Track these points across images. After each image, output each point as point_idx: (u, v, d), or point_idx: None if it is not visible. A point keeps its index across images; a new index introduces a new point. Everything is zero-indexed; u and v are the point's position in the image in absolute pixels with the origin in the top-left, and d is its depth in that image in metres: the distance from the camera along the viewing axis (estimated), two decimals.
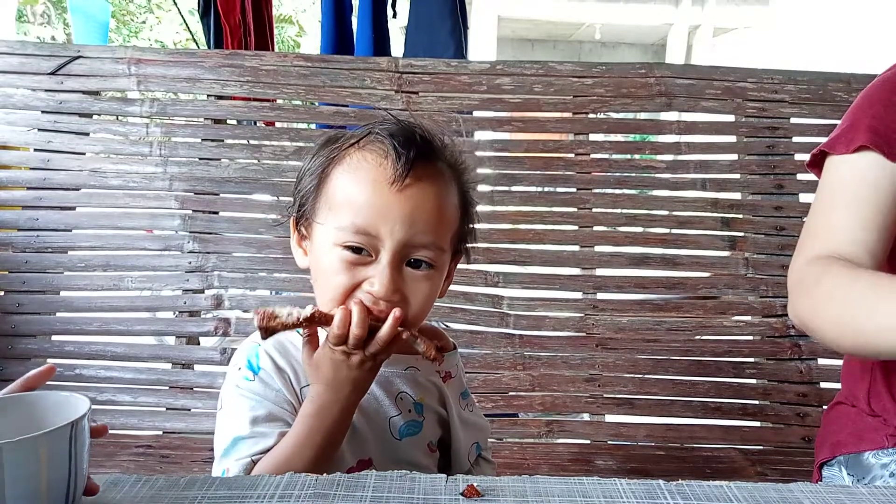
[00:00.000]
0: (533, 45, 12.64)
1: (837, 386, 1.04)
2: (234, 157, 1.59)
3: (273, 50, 3.01)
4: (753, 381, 1.48)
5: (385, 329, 0.66)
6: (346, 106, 1.63)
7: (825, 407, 1.09)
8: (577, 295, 1.54)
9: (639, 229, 1.56)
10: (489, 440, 0.93)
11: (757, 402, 1.46)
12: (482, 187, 1.58)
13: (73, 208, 1.55)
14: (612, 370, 1.48)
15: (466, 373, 1.22)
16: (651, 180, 1.65)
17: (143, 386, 1.47)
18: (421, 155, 0.69)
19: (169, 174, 1.56)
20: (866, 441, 0.90)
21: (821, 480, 0.97)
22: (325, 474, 0.60)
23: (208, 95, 1.60)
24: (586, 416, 1.49)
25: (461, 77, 1.60)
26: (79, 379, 1.47)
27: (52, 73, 1.57)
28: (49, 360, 1.47)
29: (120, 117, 1.65)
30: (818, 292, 0.79)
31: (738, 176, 1.58)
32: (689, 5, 10.65)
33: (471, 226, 0.79)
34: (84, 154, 1.57)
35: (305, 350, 0.71)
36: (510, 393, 1.47)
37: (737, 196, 1.57)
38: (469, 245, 0.80)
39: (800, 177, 1.56)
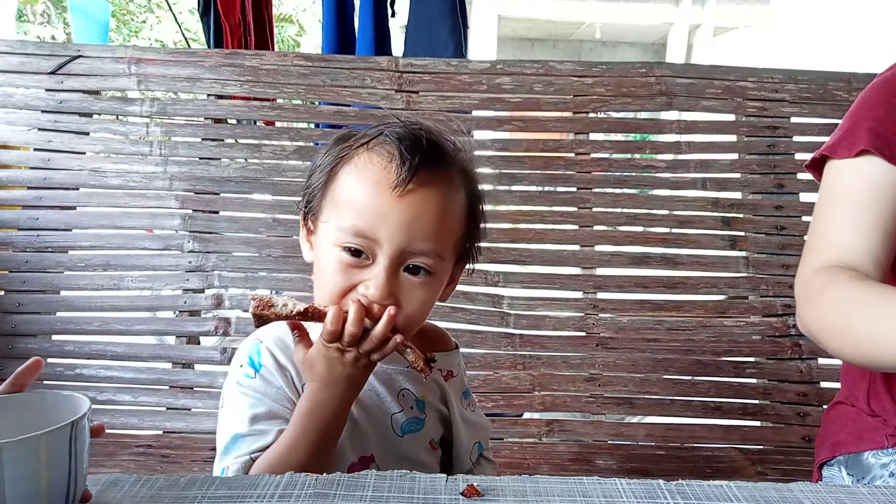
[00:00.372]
0: (533, 45, 12.64)
1: (838, 385, 1.04)
2: (234, 156, 1.59)
3: (273, 49, 3.01)
4: (754, 380, 1.48)
5: (379, 327, 0.66)
6: (349, 105, 1.63)
7: (825, 406, 1.09)
8: (578, 294, 1.54)
9: (639, 229, 1.56)
10: (490, 441, 0.93)
11: (757, 401, 1.46)
12: (482, 186, 1.58)
13: (74, 208, 1.55)
14: (612, 370, 1.48)
15: (467, 372, 1.21)
16: (651, 180, 1.65)
17: (143, 385, 1.47)
18: (427, 160, 0.68)
19: (169, 173, 1.56)
20: (866, 441, 0.90)
21: (821, 480, 0.97)
22: (325, 474, 0.60)
23: (208, 95, 1.60)
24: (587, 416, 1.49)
25: (461, 76, 1.60)
26: (79, 378, 1.47)
27: (53, 73, 1.57)
28: (49, 360, 1.47)
29: (120, 117, 1.65)
30: (822, 303, 0.80)
31: (738, 175, 1.58)
32: (689, 4, 10.64)
33: (479, 233, 0.78)
34: (84, 153, 1.57)
35: (298, 349, 0.71)
36: (510, 393, 1.47)
37: (737, 195, 1.57)
38: (476, 252, 0.79)
39: (800, 176, 1.56)
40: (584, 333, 1.51)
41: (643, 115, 1.68)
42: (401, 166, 0.67)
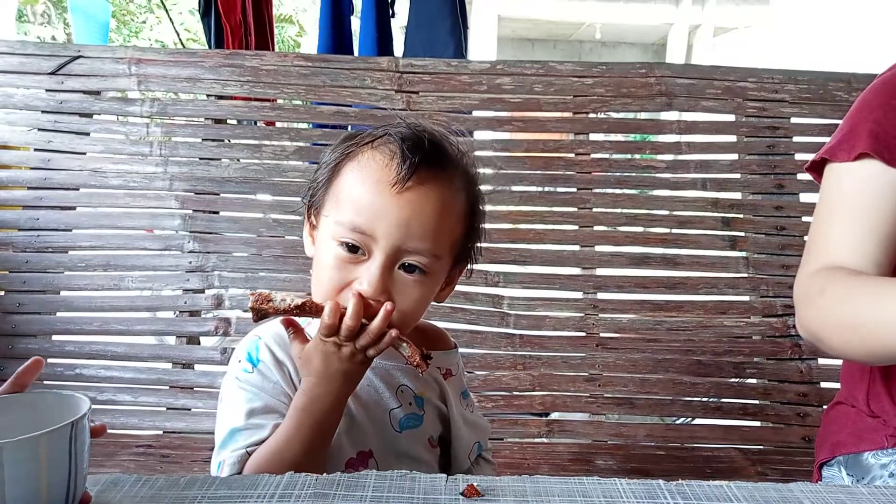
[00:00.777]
0: (533, 45, 12.64)
1: (838, 386, 1.04)
2: (234, 156, 1.59)
3: (273, 50, 3.01)
4: (754, 380, 1.48)
5: (375, 322, 0.66)
6: (349, 106, 1.63)
7: (825, 407, 1.08)
8: (578, 295, 1.54)
9: (639, 229, 1.56)
10: (489, 441, 0.93)
11: (757, 401, 1.46)
12: (482, 187, 1.58)
13: (74, 208, 1.55)
14: (612, 370, 1.48)
15: (466, 372, 1.22)
16: (651, 180, 1.65)
17: (143, 385, 1.47)
18: (428, 160, 0.69)
19: (169, 174, 1.56)
20: (866, 441, 0.90)
21: (821, 480, 0.97)
22: (322, 468, 0.60)
23: (208, 95, 1.60)
24: (586, 416, 1.49)
25: (461, 77, 1.60)
26: (79, 379, 1.47)
27: (53, 73, 1.57)
28: (49, 360, 1.47)
29: (120, 117, 1.65)
30: (823, 301, 0.79)
31: (738, 176, 1.58)
32: (689, 5, 10.65)
33: (478, 236, 0.78)
34: (84, 154, 1.58)
35: (294, 345, 0.71)
36: (510, 393, 1.47)
37: (737, 196, 1.57)
38: (475, 254, 0.79)
39: (800, 176, 1.56)
40: (584, 333, 1.51)
41: (643, 115, 1.68)
42: (401, 164, 0.68)
